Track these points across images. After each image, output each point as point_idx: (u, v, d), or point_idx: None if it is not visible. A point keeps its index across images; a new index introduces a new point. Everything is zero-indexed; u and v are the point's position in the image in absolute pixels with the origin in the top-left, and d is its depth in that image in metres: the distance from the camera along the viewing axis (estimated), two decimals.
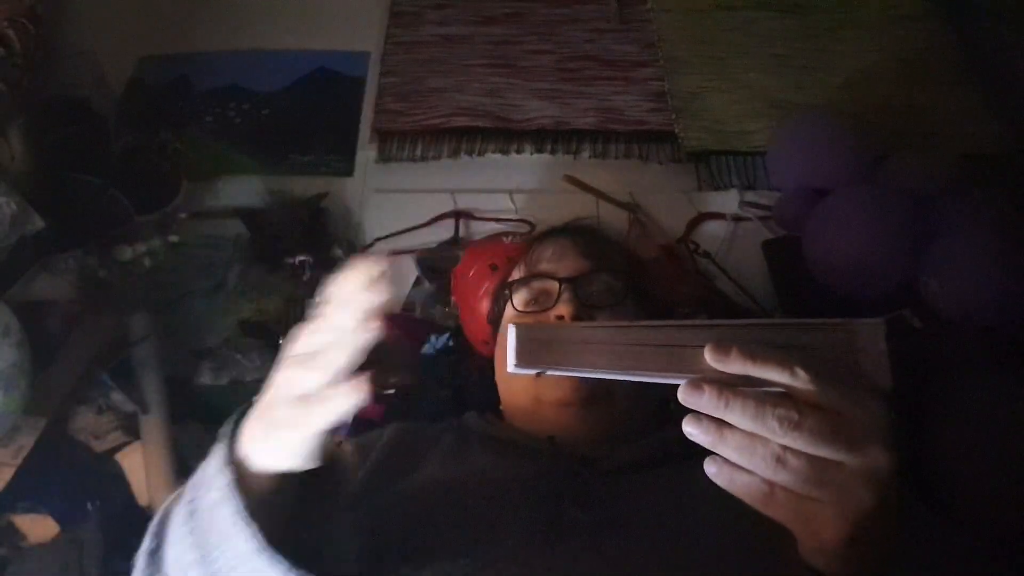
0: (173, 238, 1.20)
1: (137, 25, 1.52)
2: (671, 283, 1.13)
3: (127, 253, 1.15)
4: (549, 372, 0.44)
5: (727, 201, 1.28)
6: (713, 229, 1.26)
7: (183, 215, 1.26)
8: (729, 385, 0.39)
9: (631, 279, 0.76)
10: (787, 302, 1.15)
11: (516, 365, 0.42)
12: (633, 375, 0.42)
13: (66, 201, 1.14)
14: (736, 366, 0.40)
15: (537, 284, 0.75)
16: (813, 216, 1.13)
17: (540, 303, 0.73)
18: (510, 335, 0.43)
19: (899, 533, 0.40)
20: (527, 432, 0.70)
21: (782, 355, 0.39)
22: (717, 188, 1.30)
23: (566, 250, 0.77)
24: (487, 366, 0.86)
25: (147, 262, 1.16)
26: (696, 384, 0.40)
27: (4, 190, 1.01)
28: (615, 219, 1.22)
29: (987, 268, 1.01)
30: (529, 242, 0.84)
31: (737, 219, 1.26)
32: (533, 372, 0.43)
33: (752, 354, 0.39)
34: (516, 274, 0.79)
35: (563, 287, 0.71)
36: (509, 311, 0.76)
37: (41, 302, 1.05)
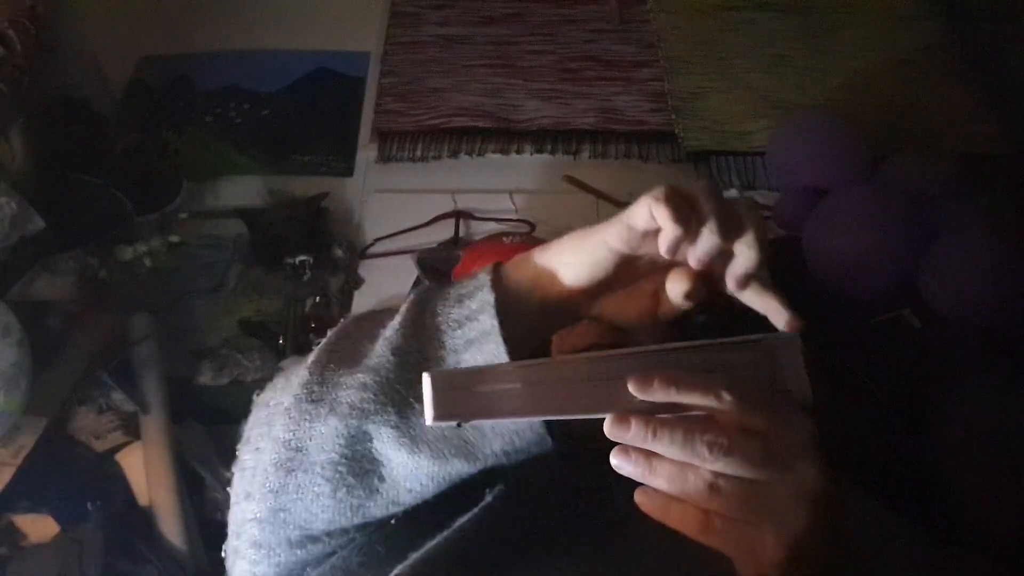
0: (173, 238, 1.20)
1: (138, 25, 1.53)
2: None
3: (127, 253, 1.16)
4: (471, 423, 0.41)
5: None
6: None
7: (183, 215, 1.26)
8: (655, 415, 0.39)
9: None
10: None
11: (434, 418, 0.39)
12: (560, 415, 0.41)
13: (67, 201, 1.14)
14: (660, 395, 0.39)
15: None
16: (813, 216, 1.13)
17: None
18: (424, 385, 0.40)
19: (847, 544, 0.40)
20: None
21: (706, 379, 0.39)
22: None
23: None
24: None
25: (147, 262, 1.16)
26: (622, 417, 0.39)
27: (5, 190, 1.01)
28: None
29: (987, 268, 1.01)
30: None
31: None
32: (453, 424, 0.41)
33: (676, 381, 0.39)
34: None
35: None
36: None
37: (42, 302, 1.05)
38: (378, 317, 0.51)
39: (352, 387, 0.46)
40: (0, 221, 0.99)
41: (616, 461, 0.39)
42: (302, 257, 1.20)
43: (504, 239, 1.20)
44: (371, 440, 0.46)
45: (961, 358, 1.01)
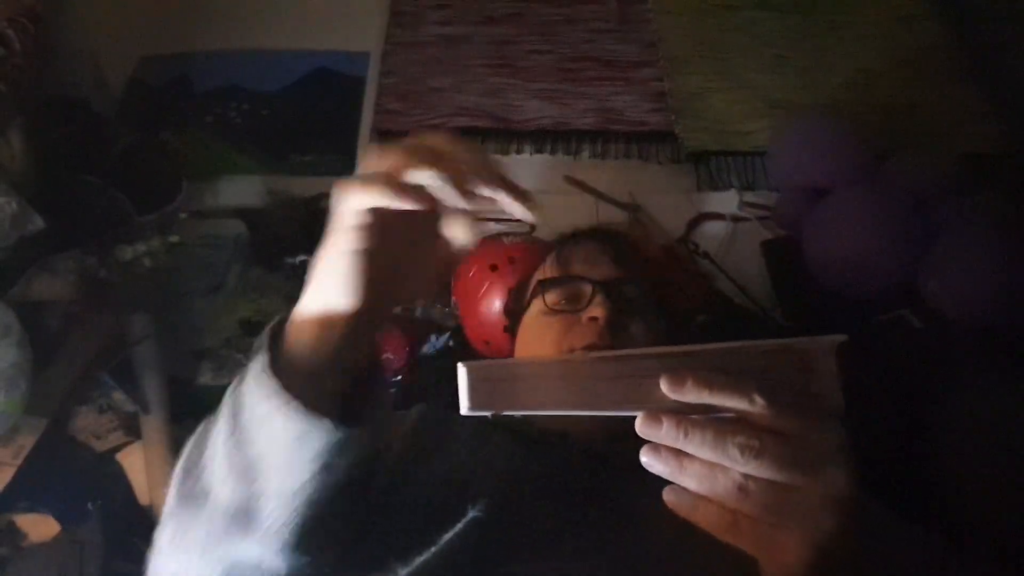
0: (173, 238, 1.20)
1: (137, 25, 1.52)
2: (674, 286, 1.13)
3: (127, 253, 1.15)
4: (504, 413, 0.42)
5: (727, 201, 1.28)
6: (713, 229, 1.26)
7: (183, 215, 1.26)
8: (686, 415, 0.39)
9: (657, 289, 0.76)
10: (786, 302, 1.16)
11: (469, 408, 0.41)
12: (591, 410, 0.41)
13: (66, 201, 1.14)
14: (692, 395, 0.39)
15: (569, 285, 0.75)
16: (812, 216, 1.13)
17: (571, 304, 0.73)
18: (460, 376, 0.41)
19: (865, 550, 0.40)
20: (541, 427, 0.70)
21: (739, 382, 0.39)
22: (717, 188, 1.30)
23: (598, 255, 0.76)
24: None
25: (147, 262, 1.16)
26: (653, 415, 0.39)
27: (4, 190, 1.01)
28: (615, 220, 1.22)
29: (987, 268, 1.01)
30: (557, 242, 0.83)
31: (736, 219, 1.26)
32: (487, 414, 0.41)
33: (708, 382, 0.39)
34: (547, 272, 0.78)
35: (596, 289, 0.71)
36: (537, 307, 0.76)
37: (41, 302, 1.05)
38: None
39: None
40: (0, 221, 0.99)
41: (646, 459, 0.40)
42: (302, 257, 1.19)
43: (504, 239, 1.20)
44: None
45: (961, 358, 1.01)
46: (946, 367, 0.98)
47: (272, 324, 0.47)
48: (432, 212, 0.41)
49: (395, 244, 0.43)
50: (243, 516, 0.45)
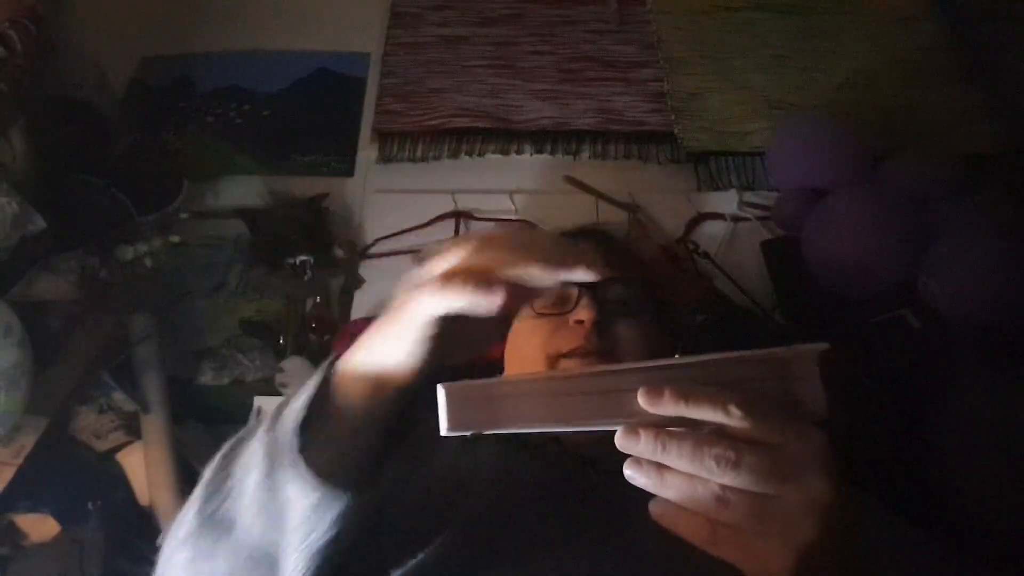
0: (174, 238, 1.20)
1: (139, 25, 1.53)
2: (674, 285, 1.13)
3: (128, 253, 1.16)
4: (485, 432, 0.42)
5: (726, 201, 1.28)
6: (712, 229, 1.26)
7: (184, 215, 1.26)
8: (665, 428, 0.39)
9: (648, 288, 0.76)
10: (786, 302, 1.16)
11: (448, 429, 0.41)
12: (570, 426, 0.42)
13: (67, 201, 1.14)
14: (670, 408, 0.39)
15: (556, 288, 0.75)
16: (812, 216, 1.13)
17: (558, 307, 0.73)
18: (439, 397, 0.41)
19: (858, 553, 0.40)
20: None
21: (714, 393, 0.39)
22: (716, 188, 1.30)
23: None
24: (487, 365, 0.86)
25: (148, 262, 1.16)
26: (632, 429, 0.40)
27: (6, 190, 1.01)
28: (615, 220, 1.22)
29: (987, 268, 1.01)
30: None
31: (736, 219, 1.26)
32: (467, 434, 0.41)
33: (684, 395, 0.39)
34: None
35: (582, 291, 0.71)
36: (525, 311, 0.76)
37: (42, 302, 1.05)
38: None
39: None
40: (1, 221, 0.99)
41: (629, 472, 0.40)
42: (303, 257, 1.20)
43: None
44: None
45: (961, 358, 1.01)
46: (945, 367, 0.99)
47: (323, 371, 0.47)
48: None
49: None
50: (268, 561, 0.46)
